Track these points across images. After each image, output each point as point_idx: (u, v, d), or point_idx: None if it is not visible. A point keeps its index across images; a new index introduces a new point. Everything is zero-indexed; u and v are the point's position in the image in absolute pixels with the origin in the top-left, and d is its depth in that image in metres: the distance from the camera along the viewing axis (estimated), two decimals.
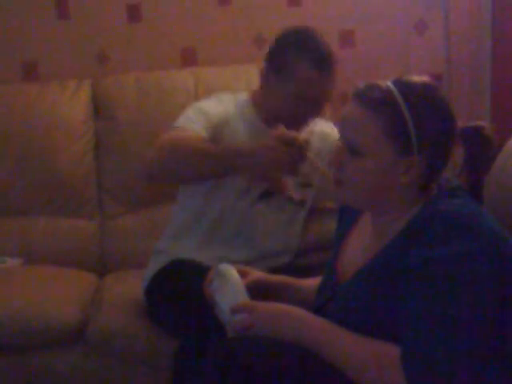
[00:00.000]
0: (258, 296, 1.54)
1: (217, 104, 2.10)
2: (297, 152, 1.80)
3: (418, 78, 1.40)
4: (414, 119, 1.34)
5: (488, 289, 1.28)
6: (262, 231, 2.09)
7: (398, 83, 1.38)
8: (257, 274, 1.66)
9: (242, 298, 1.49)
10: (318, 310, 1.48)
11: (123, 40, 2.87)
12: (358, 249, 1.50)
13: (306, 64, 1.96)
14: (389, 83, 1.38)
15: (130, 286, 2.27)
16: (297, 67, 1.97)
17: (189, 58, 2.89)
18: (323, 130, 2.17)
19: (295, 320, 1.41)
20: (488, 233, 1.31)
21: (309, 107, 2.00)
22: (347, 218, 1.58)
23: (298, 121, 2.02)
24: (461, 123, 1.43)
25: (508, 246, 1.33)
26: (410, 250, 1.32)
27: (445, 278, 1.28)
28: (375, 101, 1.36)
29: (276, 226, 2.11)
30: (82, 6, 2.84)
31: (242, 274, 1.59)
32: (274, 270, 2.02)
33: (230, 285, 1.52)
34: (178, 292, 1.96)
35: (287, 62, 1.98)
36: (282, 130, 1.83)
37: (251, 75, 2.60)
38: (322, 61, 1.96)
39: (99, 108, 2.71)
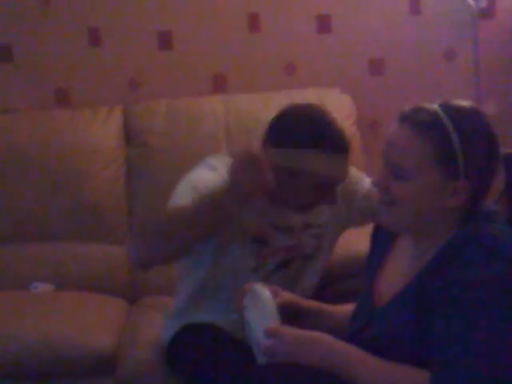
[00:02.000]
0: (288, 318, 1.53)
1: (210, 174, 1.89)
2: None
3: (464, 103, 1.40)
4: (462, 144, 1.33)
5: None
6: None
7: (445, 107, 1.37)
8: (288, 295, 1.64)
9: (273, 319, 1.48)
10: (354, 335, 1.47)
11: (154, 67, 2.90)
12: (397, 273, 1.48)
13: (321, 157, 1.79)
14: (436, 106, 1.37)
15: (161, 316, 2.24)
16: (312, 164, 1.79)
17: (219, 85, 2.91)
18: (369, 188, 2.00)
19: (323, 347, 1.40)
20: None
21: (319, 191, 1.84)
22: (381, 242, 1.57)
23: (310, 205, 1.88)
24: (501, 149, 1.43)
25: None
26: (443, 271, 1.31)
27: (475, 302, 1.27)
28: (423, 124, 1.35)
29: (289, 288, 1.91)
30: (113, 33, 2.88)
31: (274, 294, 1.57)
32: None
33: (262, 304, 1.50)
34: (201, 353, 1.90)
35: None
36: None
37: (281, 103, 2.60)
38: (337, 149, 1.81)
39: (130, 134, 2.73)
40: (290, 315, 1.57)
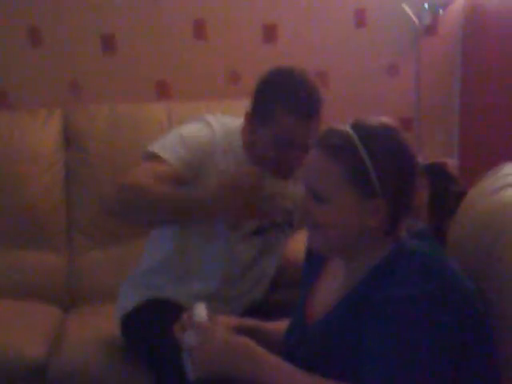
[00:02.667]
0: None
1: (202, 130, 1.99)
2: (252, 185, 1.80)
3: (376, 121, 1.39)
4: (374, 163, 1.34)
5: (446, 333, 1.28)
6: (242, 268, 2.05)
7: (357, 127, 1.37)
8: (225, 318, 1.62)
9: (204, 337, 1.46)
10: (288, 353, 1.47)
11: (97, 70, 2.86)
12: (328, 291, 1.49)
13: (285, 111, 1.89)
14: (348, 127, 1.37)
15: (95, 322, 2.23)
16: (279, 116, 1.90)
17: (163, 92, 2.89)
18: None
19: (251, 354, 1.39)
20: (450, 277, 1.32)
21: (293, 153, 1.91)
22: (315, 260, 1.58)
23: (284, 167, 1.95)
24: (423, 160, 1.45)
25: (469, 291, 1.34)
26: (376, 290, 1.33)
27: (403, 319, 1.28)
28: (334, 147, 1.36)
29: (255, 259, 2.07)
30: (55, 34, 2.82)
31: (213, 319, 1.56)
32: (250, 307, 2.04)
33: (194, 325, 1.49)
34: (157, 329, 1.92)
35: (267, 108, 1.92)
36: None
37: (224, 111, 2.60)
38: (305, 109, 1.89)
39: (70, 138, 2.68)
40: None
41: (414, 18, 2.84)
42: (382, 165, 1.35)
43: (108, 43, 2.86)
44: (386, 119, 1.41)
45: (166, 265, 2.05)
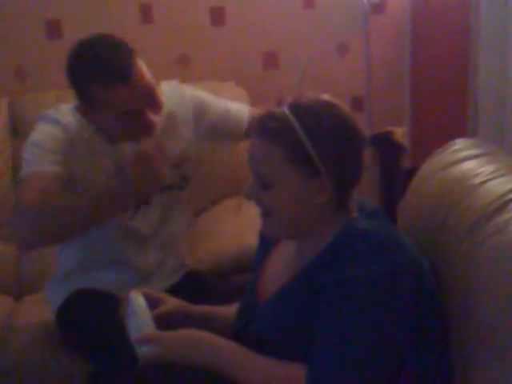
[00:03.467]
0: (178, 324, 1.50)
1: (53, 128, 1.85)
2: (155, 159, 1.72)
3: (313, 98, 1.37)
4: (313, 142, 1.33)
5: (400, 311, 1.29)
6: (147, 239, 2.02)
7: (294, 107, 1.35)
8: (176, 301, 1.62)
9: (146, 328, 1.44)
10: (238, 332, 1.47)
11: (42, 57, 2.81)
12: (279, 269, 1.49)
13: (106, 88, 1.75)
14: (285, 109, 1.35)
15: (44, 310, 2.17)
16: (101, 95, 1.76)
17: None
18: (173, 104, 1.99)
19: (202, 344, 1.38)
20: (403, 254, 1.32)
21: (140, 121, 1.80)
22: (267, 240, 1.57)
23: (141, 133, 1.82)
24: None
25: (423, 268, 1.35)
26: (327, 269, 1.32)
27: (358, 299, 1.28)
28: (272, 130, 1.35)
29: (156, 227, 2.02)
30: None
31: (156, 303, 1.55)
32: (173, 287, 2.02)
33: (134, 314, 1.47)
34: (90, 320, 1.91)
35: (92, 98, 1.79)
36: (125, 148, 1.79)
37: None
38: (118, 72, 1.75)
39: (17, 127, 2.63)
40: (180, 321, 1.55)
41: None
42: (322, 142, 1.33)
43: (53, 29, 2.80)
44: (323, 96, 1.38)
45: (80, 268, 2.02)
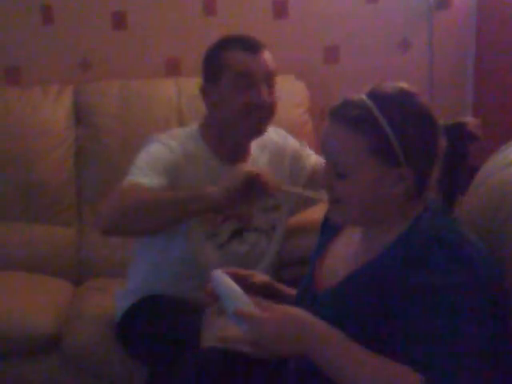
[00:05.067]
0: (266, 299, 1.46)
1: (165, 150, 1.95)
2: (260, 188, 1.82)
3: (393, 87, 1.35)
4: (395, 131, 1.30)
5: (489, 319, 1.26)
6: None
7: (373, 95, 1.33)
8: (263, 278, 1.60)
9: (243, 303, 1.37)
10: None
11: (107, 47, 2.86)
12: (341, 258, 1.46)
13: (234, 52, 1.94)
14: (364, 97, 1.33)
15: (108, 297, 2.22)
16: (228, 59, 1.94)
17: (172, 68, 2.89)
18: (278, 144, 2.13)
19: (308, 329, 1.29)
20: (482, 261, 1.28)
21: (258, 114, 1.93)
22: (329, 229, 1.56)
23: (250, 131, 1.97)
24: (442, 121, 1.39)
25: (498, 273, 1.32)
26: (407, 270, 1.28)
27: (450, 306, 1.24)
28: (352, 118, 1.32)
29: (248, 259, 2.03)
30: (66, 12, 2.83)
31: (243, 278, 1.53)
32: None
33: (225, 293, 1.40)
34: (151, 326, 1.94)
35: (216, 63, 1.96)
36: (242, 167, 1.84)
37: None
38: (248, 44, 1.95)
39: (81, 115, 2.69)
40: (267, 297, 1.49)
41: None
42: (404, 132, 1.31)
43: (118, 20, 2.86)
44: (402, 84, 1.36)
45: (156, 269, 2.05)
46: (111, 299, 2.15)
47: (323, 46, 2.95)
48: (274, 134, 2.12)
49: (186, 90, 2.67)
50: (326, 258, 1.52)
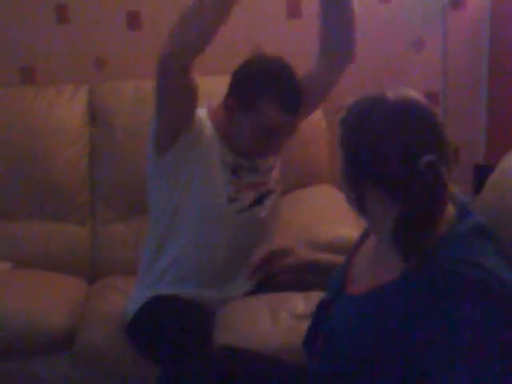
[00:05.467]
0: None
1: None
2: None
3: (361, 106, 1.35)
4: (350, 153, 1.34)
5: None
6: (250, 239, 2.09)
7: (343, 119, 1.37)
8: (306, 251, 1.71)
9: None
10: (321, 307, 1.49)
11: (122, 46, 2.88)
12: (364, 262, 1.46)
13: (271, 105, 1.95)
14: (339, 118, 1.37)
15: (122, 295, 2.24)
16: (262, 106, 1.95)
17: None
18: None
19: None
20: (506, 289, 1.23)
21: (271, 141, 2.00)
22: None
23: (260, 152, 2.04)
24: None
25: None
26: (433, 303, 1.22)
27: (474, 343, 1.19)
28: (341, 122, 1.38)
29: (265, 223, 2.11)
30: (81, 11, 2.85)
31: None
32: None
33: None
34: (161, 326, 1.96)
35: (254, 98, 1.96)
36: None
37: None
38: (288, 103, 1.96)
39: (95, 114, 2.71)
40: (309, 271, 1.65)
41: None
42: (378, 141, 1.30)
43: (133, 20, 2.87)
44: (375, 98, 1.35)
45: (169, 270, 2.08)
46: (125, 297, 2.16)
47: None
48: None
49: (200, 88, 2.67)
50: (355, 257, 1.52)
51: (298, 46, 2.90)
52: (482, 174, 2.71)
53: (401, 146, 1.29)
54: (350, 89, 2.88)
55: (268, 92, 1.95)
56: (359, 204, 1.37)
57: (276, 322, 1.94)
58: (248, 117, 1.97)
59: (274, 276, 1.77)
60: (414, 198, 1.25)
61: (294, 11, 2.92)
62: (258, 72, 2.00)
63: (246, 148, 2.02)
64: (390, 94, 1.33)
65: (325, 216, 2.41)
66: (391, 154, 1.29)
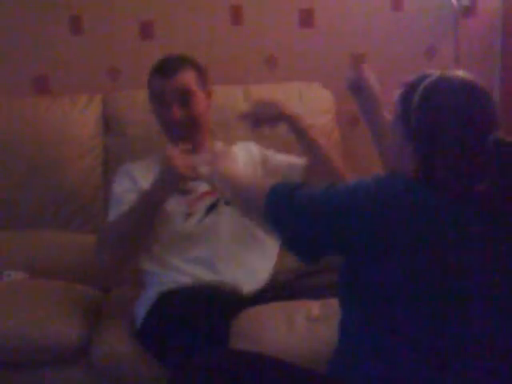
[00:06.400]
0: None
1: (121, 180, 2.29)
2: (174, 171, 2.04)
3: (456, 76, 1.52)
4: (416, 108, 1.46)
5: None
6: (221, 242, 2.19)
7: (441, 76, 1.51)
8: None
9: None
10: None
11: (135, 56, 2.89)
12: None
13: (152, 77, 2.28)
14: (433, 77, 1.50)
15: (133, 305, 2.22)
16: (149, 83, 2.30)
17: None
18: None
19: None
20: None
21: (167, 111, 2.21)
22: None
23: (170, 125, 2.25)
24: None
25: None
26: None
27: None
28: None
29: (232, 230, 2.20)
30: (95, 22, 2.87)
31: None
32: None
33: None
34: (168, 331, 1.97)
35: (147, 86, 2.31)
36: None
37: (261, 95, 2.63)
38: (164, 69, 2.24)
39: (109, 123, 2.72)
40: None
41: None
42: (420, 112, 1.44)
43: (147, 30, 2.89)
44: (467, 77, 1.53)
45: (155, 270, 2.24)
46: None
47: (349, 53, 2.96)
48: (240, 147, 2.37)
49: (213, 98, 2.68)
50: None
51: (310, 54, 2.93)
52: None
53: (470, 120, 1.46)
54: None
55: (150, 74, 2.28)
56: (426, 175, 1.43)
57: (292, 327, 1.94)
58: (151, 104, 2.28)
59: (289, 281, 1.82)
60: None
61: (306, 21, 2.93)
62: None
63: (168, 132, 2.27)
64: (450, 72, 1.53)
65: None
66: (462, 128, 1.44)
